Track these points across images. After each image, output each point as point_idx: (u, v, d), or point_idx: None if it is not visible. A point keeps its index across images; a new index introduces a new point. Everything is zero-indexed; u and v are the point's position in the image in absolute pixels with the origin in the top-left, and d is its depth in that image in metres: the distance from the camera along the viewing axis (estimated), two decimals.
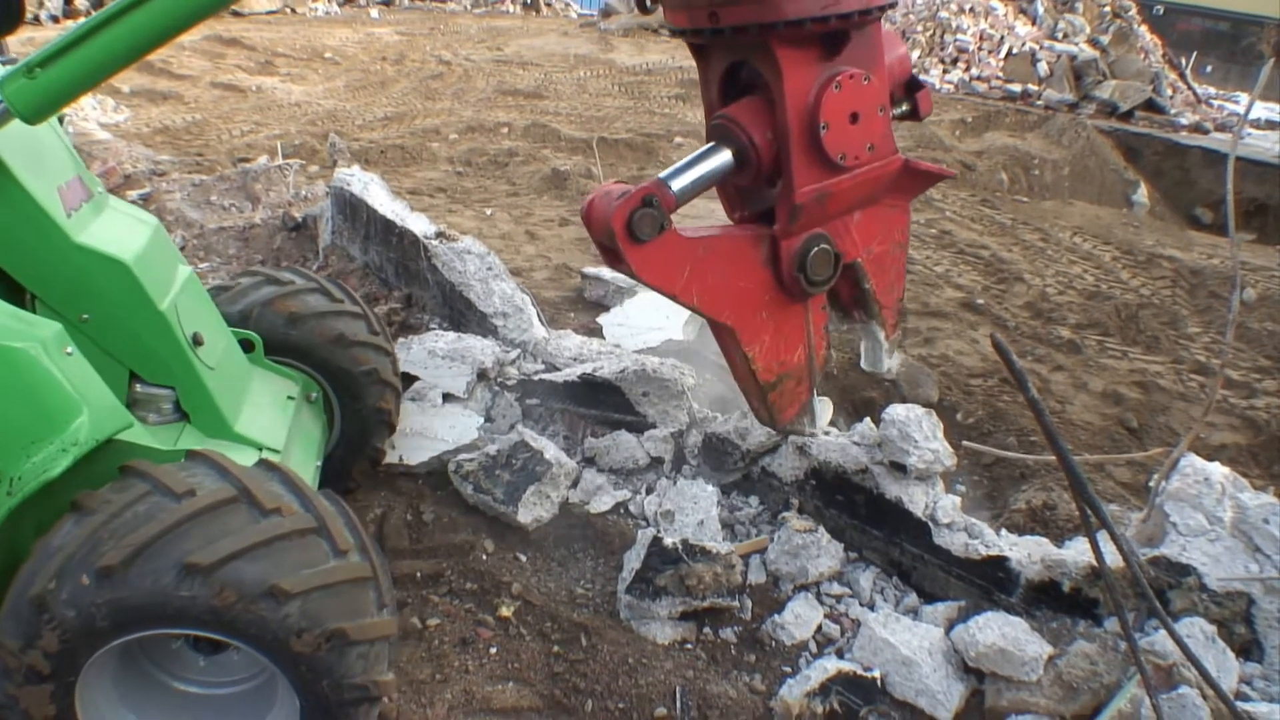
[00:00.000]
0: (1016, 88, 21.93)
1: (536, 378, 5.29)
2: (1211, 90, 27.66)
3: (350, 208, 7.28)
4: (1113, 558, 3.67)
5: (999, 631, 3.82)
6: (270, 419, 3.85)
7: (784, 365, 4.01)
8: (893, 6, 3.57)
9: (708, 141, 3.72)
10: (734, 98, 3.72)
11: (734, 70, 3.69)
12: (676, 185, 3.53)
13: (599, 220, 3.42)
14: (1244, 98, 27.89)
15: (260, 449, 3.61)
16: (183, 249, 8.35)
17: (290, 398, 4.09)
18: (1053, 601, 4.03)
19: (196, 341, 3.52)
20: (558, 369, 5.39)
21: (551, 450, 4.67)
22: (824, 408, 4.48)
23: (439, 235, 6.30)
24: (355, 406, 4.37)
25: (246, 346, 4.06)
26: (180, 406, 3.52)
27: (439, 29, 25.51)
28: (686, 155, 3.70)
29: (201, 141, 12.56)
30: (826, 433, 4.64)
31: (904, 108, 3.82)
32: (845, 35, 3.41)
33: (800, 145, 3.51)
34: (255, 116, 14.17)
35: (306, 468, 3.93)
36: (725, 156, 3.62)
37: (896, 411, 4.24)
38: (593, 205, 3.47)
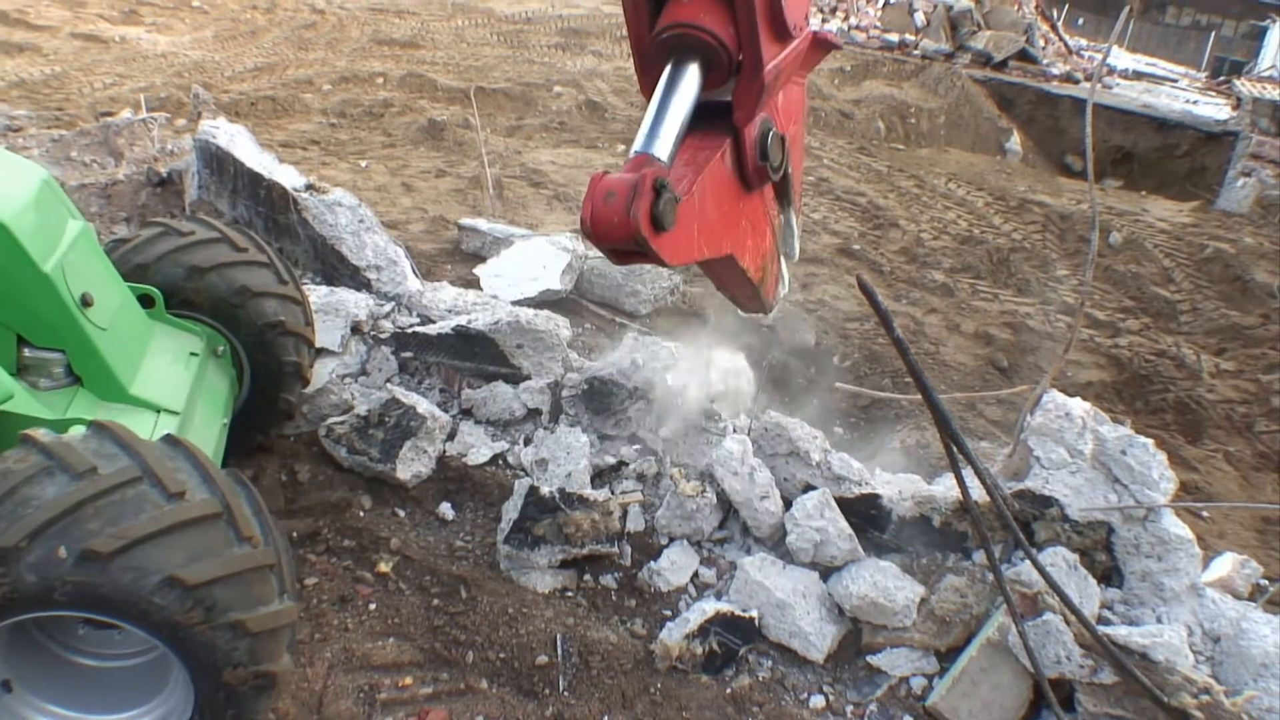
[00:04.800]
0: (894, 37, 22.18)
1: (411, 330, 5.20)
2: (1083, 42, 28.40)
3: (217, 161, 7.04)
4: (980, 492, 3.76)
5: (870, 581, 3.90)
6: (170, 379, 3.68)
7: (764, 255, 3.88)
8: None
9: (656, 61, 3.25)
10: (658, 8, 3.27)
11: None
12: (665, 152, 3.07)
13: (615, 228, 2.89)
14: (1115, 50, 28.71)
15: (158, 411, 3.47)
16: None
17: (194, 354, 3.89)
18: (924, 536, 4.12)
19: (85, 302, 3.34)
20: (433, 321, 5.31)
21: (424, 404, 4.60)
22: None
23: (309, 188, 6.12)
24: (264, 360, 4.20)
25: (148, 302, 3.86)
26: (73, 370, 3.36)
27: None
28: (647, 106, 3.32)
29: (61, 95, 11.99)
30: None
31: None
32: None
33: (765, 20, 3.20)
34: (119, 68, 13.57)
35: (211, 426, 3.78)
36: (693, 74, 3.17)
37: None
38: (596, 215, 2.91)
